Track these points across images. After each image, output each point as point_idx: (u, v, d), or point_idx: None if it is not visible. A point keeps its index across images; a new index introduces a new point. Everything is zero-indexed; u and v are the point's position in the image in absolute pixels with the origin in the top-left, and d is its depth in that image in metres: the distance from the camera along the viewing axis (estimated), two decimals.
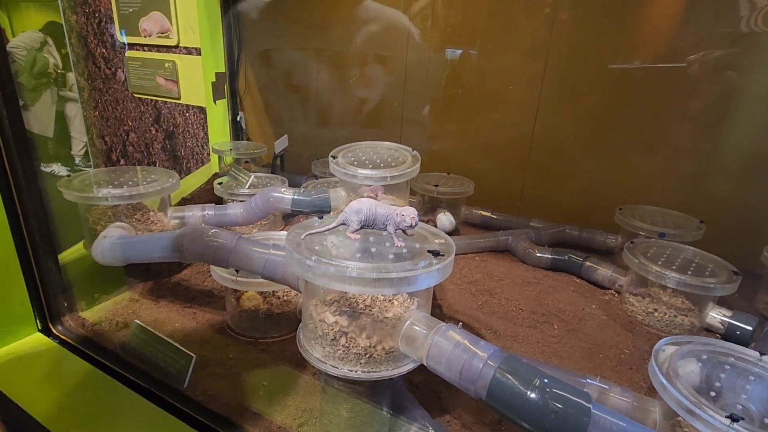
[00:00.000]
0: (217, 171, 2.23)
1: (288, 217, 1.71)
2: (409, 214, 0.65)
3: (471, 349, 0.60)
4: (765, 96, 1.45)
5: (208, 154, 2.41)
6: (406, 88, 2.02)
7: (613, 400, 0.81)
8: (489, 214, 1.78)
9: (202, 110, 2.38)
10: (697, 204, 1.56)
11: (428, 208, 1.80)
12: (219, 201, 1.65)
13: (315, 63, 2.22)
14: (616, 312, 1.25)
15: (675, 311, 1.18)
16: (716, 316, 1.14)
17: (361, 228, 0.70)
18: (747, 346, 1.10)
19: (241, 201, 1.54)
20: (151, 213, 1.25)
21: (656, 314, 1.19)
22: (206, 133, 2.41)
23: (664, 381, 0.72)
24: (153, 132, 2.71)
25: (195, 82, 2.30)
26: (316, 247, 0.68)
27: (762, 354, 0.80)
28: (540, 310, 1.24)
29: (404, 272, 0.59)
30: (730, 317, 1.13)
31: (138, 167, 1.31)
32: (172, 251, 0.87)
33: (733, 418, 0.64)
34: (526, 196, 1.92)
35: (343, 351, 0.66)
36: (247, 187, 1.53)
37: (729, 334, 1.12)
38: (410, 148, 1.31)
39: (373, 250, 0.67)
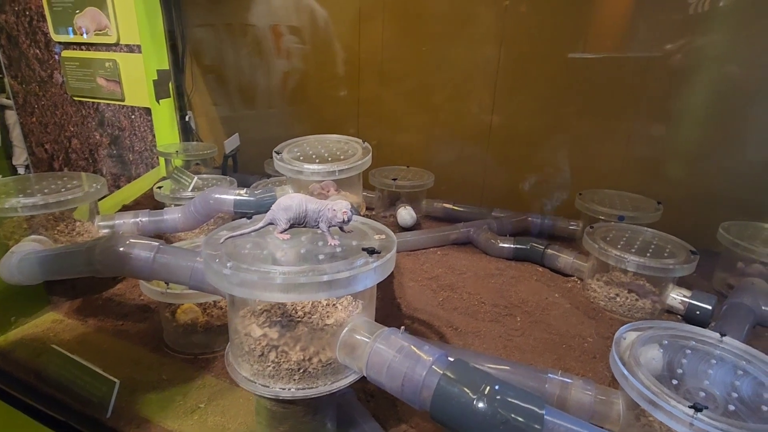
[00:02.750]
0: (165, 175, 2.10)
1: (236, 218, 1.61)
2: (340, 208, 0.58)
3: (414, 353, 0.54)
4: (714, 81, 1.46)
5: (157, 158, 2.27)
6: (361, 80, 1.95)
7: (576, 394, 0.77)
8: (451, 205, 1.73)
9: (148, 111, 2.24)
10: (654, 187, 1.56)
11: (388, 203, 1.74)
12: (161, 208, 1.54)
13: (267, 57, 2.11)
14: (579, 299, 1.22)
15: (635, 295, 1.16)
16: (676, 297, 1.13)
17: (291, 227, 0.62)
18: (707, 326, 1.10)
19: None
20: (78, 223, 1.13)
21: (618, 299, 1.16)
22: (154, 136, 2.26)
23: (625, 372, 0.68)
24: (97, 137, 2.54)
25: (138, 81, 2.15)
26: (244, 251, 0.60)
27: (722, 335, 0.77)
28: (503, 302, 1.20)
29: (337, 274, 0.52)
30: (690, 297, 1.11)
31: (59, 173, 1.18)
32: (84, 265, 0.77)
33: (697, 408, 0.60)
34: (487, 185, 1.89)
35: (273, 368, 0.58)
36: (190, 190, 1.42)
37: (690, 315, 1.11)
38: (360, 140, 1.24)
39: (303, 251, 0.59)
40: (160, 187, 1.44)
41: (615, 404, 0.77)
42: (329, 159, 1.15)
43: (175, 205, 1.44)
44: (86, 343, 0.97)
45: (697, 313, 1.09)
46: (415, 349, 0.55)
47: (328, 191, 1.23)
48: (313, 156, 1.16)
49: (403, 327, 0.58)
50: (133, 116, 2.32)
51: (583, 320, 1.13)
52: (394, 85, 1.92)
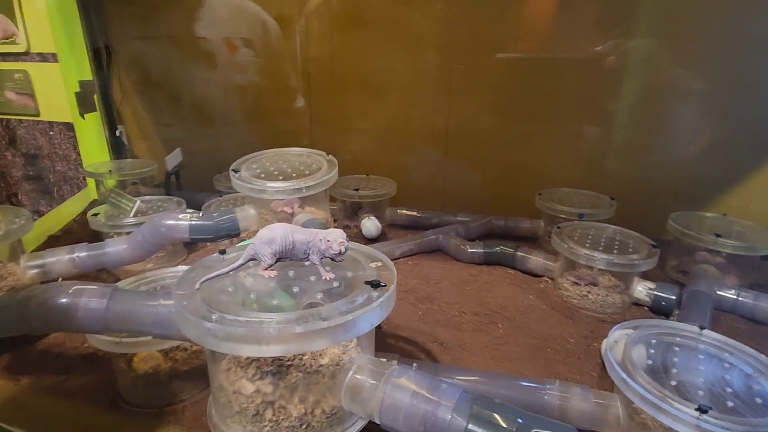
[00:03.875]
0: (96, 197, 1.88)
1: (192, 244, 1.47)
2: (336, 239, 0.52)
3: (432, 399, 0.49)
4: (651, 79, 1.55)
5: (85, 178, 2.04)
6: (311, 86, 1.87)
7: (577, 403, 0.76)
8: (415, 213, 1.70)
9: (69, 127, 2.00)
10: (604, 183, 1.64)
11: (350, 214, 1.68)
12: (98, 237, 1.36)
13: (204, 60, 1.96)
14: (553, 299, 1.24)
15: (606, 291, 1.19)
16: (642, 290, 1.18)
17: (276, 261, 0.55)
18: (671, 315, 1.15)
19: (127, 233, 1.28)
20: None
21: (590, 296, 1.19)
22: (79, 154, 2.03)
23: (626, 377, 0.68)
24: (8, 157, 2.24)
25: (55, 94, 1.92)
26: (224, 295, 0.52)
27: (701, 328, 0.80)
28: (482, 310, 1.19)
29: (340, 317, 0.46)
30: (655, 290, 1.16)
31: None
32: (16, 323, 0.64)
33: (702, 410, 0.61)
34: (448, 189, 1.89)
35: (272, 427, 0.51)
36: (132, 215, 1.27)
37: (656, 306, 1.16)
38: (324, 153, 1.17)
39: (296, 289, 0.52)
40: (95, 214, 1.27)
41: (612, 407, 0.77)
42: (293, 175, 1.07)
43: (116, 233, 1.28)
44: (22, 408, 0.82)
45: (663, 303, 1.15)
46: (432, 391, 0.50)
47: (292, 208, 1.15)
48: (275, 172, 1.08)
49: (415, 365, 0.53)
50: (51, 133, 2.07)
51: (561, 321, 1.15)
52: (346, 94, 1.86)
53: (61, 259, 1.00)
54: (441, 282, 1.34)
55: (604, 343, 0.97)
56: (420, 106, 1.81)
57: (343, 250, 0.52)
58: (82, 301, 0.61)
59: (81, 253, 1.01)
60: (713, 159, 1.54)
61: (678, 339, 0.78)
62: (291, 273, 0.55)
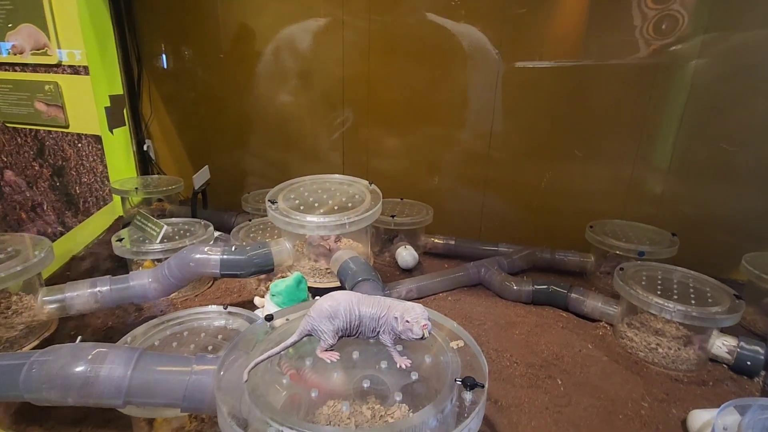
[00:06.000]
0: (122, 214, 1.83)
1: None
2: (417, 320, 0.41)
3: None
4: (716, 92, 1.41)
5: (111, 191, 1.99)
6: (345, 108, 1.79)
7: None
8: (452, 242, 1.59)
9: (98, 139, 1.97)
10: (664, 216, 1.50)
11: (384, 241, 1.58)
12: (121, 261, 1.29)
13: (235, 77, 1.91)
14: (615, 350, 1.11)
15: (677, 343, 1.06)
16: (722, 346, 1.04)
17: (339, 339, 0.45)
18: (757, 375, 1.01)
19: (154, 259, 1.21)
20: (14, 298, 0.89)
21: (660, 350, 1.06)
22: (105, 166, 1.99)
23: None
24: (36, 168, 2.22)
25: (85, 106, 1.89)
26: (280, 392, 0.41)
27: None
28: (536, 360, 1.06)
29: None
30: (738, 346, 1.02)
31: None
32: (24, 392, 0.55)
33: None
34: (486, 216, 1.77)
35: None
36: (158, 240, 1.19)
37: (739, 365, 1.02)
38: (367, 182, 1.08)
39: (366, 385, 0.42)
40: (120, 239, 1.20)
41: None
42: (335, 207, 0.97)
43: (141, 260, 1.21)
44: None
45: (748, 363, 1.00)
46: None
47: (328, 241, 1.05)
48: (315, 203, 0.98)
49: None
50: (79, 144, 2.04)
51: (627, 378, 1.02)
52: (380, 113, 1.78)
53: (83, 293, 0.92)
54: (485, 323, 1.22)
55: (692, 417, 0.84)
56: (459, 127, 1.71)
57: (426, 335, 0.42)
58: (104, 370, 0.52)
59: (103, 287, 0.93)
60: None
61: None
62: (355, 355, 0.45)
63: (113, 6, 1.83)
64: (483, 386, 0.41)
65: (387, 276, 1.43)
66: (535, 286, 1.29)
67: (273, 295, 0.89)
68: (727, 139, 1.41)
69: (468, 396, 0.40)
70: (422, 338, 0.43)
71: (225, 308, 0.89)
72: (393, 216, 1.50)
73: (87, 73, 1.83)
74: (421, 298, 1.33)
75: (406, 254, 1.45)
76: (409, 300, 1.16)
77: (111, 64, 1.87)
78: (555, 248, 1.52)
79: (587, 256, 1.48)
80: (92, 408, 0.87)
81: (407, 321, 0.42)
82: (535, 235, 1.63)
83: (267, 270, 0.99)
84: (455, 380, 0.41)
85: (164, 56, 1.99)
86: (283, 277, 0.96)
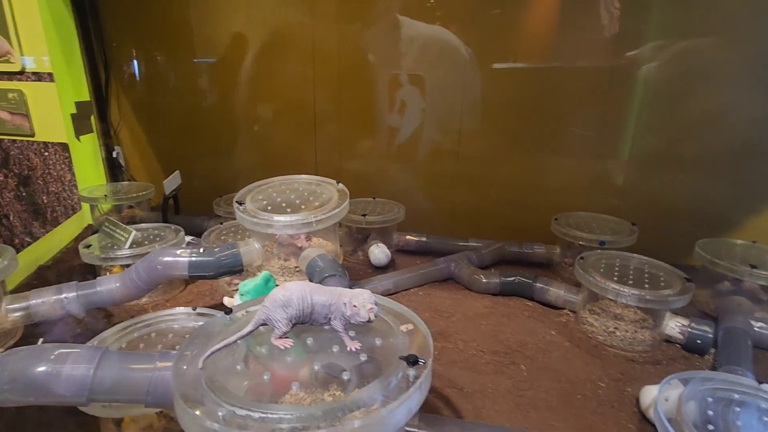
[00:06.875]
0: (91, 222, 1.80)
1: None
2: (363, 304, 0.44)
3: None
4: (670, 91, 1.49)
5: (79, 199, 1.96)
6: (317, 109, 1.81)
7: None
8: (424, 238, 1.62)
9: (65, 147, 1.93)
10: (625, 207, 1.57)
11: (357, 240, 1.60)
12: (90, 269, 1.28)
13: (207, 81, 1.90)
14: (576, 336, 1.16)
15: (634, 326, 1.11)
16: (675, 326, 1.10)
17: (292, 327, 0.47)
18: (705, 354, 1.07)
19: (123, 265, 1.20)
20: None
21: (617, 333, 1.11)
22: (74, 175, 1.96)
23: None
24: (0, 178, 2.16)
25: (51, 114, 1.85)
26: (233, 376, 0.44)
27: (760, 382, 0.72)
28: (501, 348, 1.10)
29: (375, 413, 0.37)
30: (689, 326, 1.08)
31: None
32: None
33: None
34: (457, 212, 1.82)
35: None
36: (127, 246, 1.19)
37: (690, 344, 1.08)
38: (334, 181, 1.10)
39: (316, 367, 0.44)
40: (88, 246, 1.19)
41: None
42: (302, 207, 1.00)
43: (109, 266, 1.20)
44: None
45: (698, 342, 1.07)
46: None
47: (299, 240, 1.07)
48: (283, 204, 1.00)
49: None
50: (46, 153, 2.00)
51: (587, 361, 1.07)
52: (352, 113, 1.80)
53: (48, 300, 0.92)
54: (455, 315, 1.25)
55: (644, 393, 0.90)
56: (429, 126, 1.75)
57: (372, 317, 0.45)
58: (66, 368, 0.53)
59: (69, 293, 0.93)
60: (739, 179, 1.48)
61: (736, 396, 0.70)
62: (310, 341, 0.48)
63: (77, 12, 1.81)
64: (425, 362, 0.44)
65: (360, 274, 1.45)
66: (503, 278, 1.33)
67: (242, 295, 0.90)
68: (676, 132, 1.50)
69: (411, 372, 0.43)
70: (369, 321, 0.46)
71: (194, 310, 0.90)
72: (365, 215, 1.53)
73: (52, 80, 1.80)
74: (393, 294, 1.36)
75: (378, 252, 1.47)
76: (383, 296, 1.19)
77: (77, 71, 1.85)
78: (524, 241, 1.58)
79: (553, 248, 1.54)
80: (58, 413, 0.87)
81: (354, 306, 0.45)
82: (504, 230, 1.68)
83: (236, 270, 1.00)
84: (399, 357, 0.44)
85: (135, 62, 1.97)
86: (252, 276, 0.98)
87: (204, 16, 1.81)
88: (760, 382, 0.72)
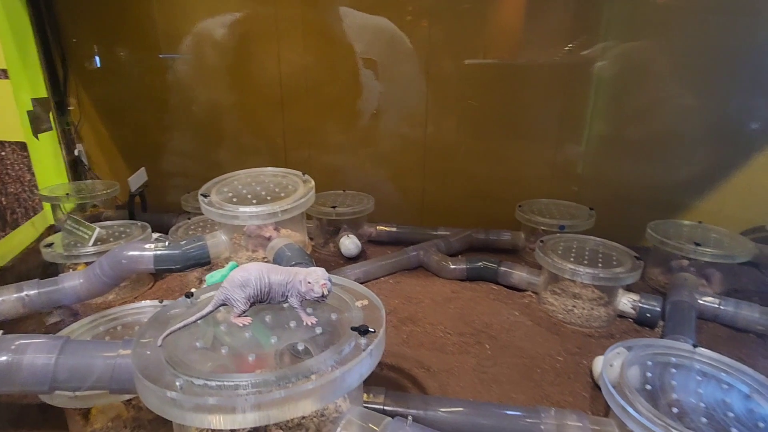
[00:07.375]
0: (53, 223, 1.76)
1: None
2: (317, 280, 0.47)
3: None
4: (623, 85, 1.58)
5: (40, 201, 1.90)
6: (284, 101, 1.81)
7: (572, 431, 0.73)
8: (394, 228, 1.66)
9: (22, 146, 1.87)
10: (584, 193, 1.65)
11: (328, 232, 1.62)
12: (54, 269, 1.26)
13: (169, 77, 1.87)
14: (538, 315, 1.22)
15: (591, 304, 1.18)
16: (627, 302, 1.17)
17: (251, 306, 0.49)
18: (655, 326, 1.15)
19: (88, 263, 1.19)
20: None
21: (575, 311, 1.17)
22: (33, 175, 1.89)
23: (628, 408, 0.65)
24: None
25: (6, 112, 1.79)
26: (192, 352, 0.46)
27: (694, 346, 0.79)
28: (467, 329, 1.15)
29: (328, 375, 0.40)
30: (640, 301, 1.15)
31: None
32: None
33: None
34: (426, 203, 1.86)
35: None
36: (91, 243, 1.17)
37: (641, 318, 1.16)
38: (300, 172, 1.12)
39: (273, 340, 0.47)
40: (49, 245, 1.17)
41: None
42: (267, 198, 1.01)
43: (73, 264, 1.19)
44: None
45: (648, 315, 1.14)
46: None
47: (266, 231, 1.08)
48: (248, 196, 1.01)
49: (410, 417, 0.48)
50: (2, 153, 1.93)
51: (547, 337, 1.12)
52: (320, 108, 1.81)
53: (8, 299, 0.90)
54: (423, 301, 1.29)
55: (595, 363, 0.96)
56: (397, 119, 1.78)
57: (325, 292, 0.47)
58: (27, 358, 0.54)
59: (30, 290, 0.92)
60: (686, 165, 1.58)
61: (673, 359, 0.76)
62: (268, 318, 0.50)
63: (32, 7, 1.75)
64: (374, 331, 0.47)
65: (332, 265, 1.47)
66: (469, 264, 1.38)
67: (209, 286, 0.91)
68: (625, 121, 1.59)
69: (363, 341, 0.46)
70: (323, 296, 0.48)
71: (161, 303, 0.90)
72: (334, 207, 1.55)
73: (6, 77, 1.74)
74: (364, 283, 1.39)
75: (348, 243, 1.50)
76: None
77: (32, 67, 1.79)
78: (491, 229, 1.63)
79: (518, 234, 1.60)
80: (27, 408, 0.86)
81: (309, 282, 0.48)
82: (472, 218, 1.73)
83: (204, 263, 1.01)
84: (350, 328, 0.47)
85: (97, 57, 1.92)
86: (220, 267, 0.98)
87: (167, 10, 1.78)
88: (695, 346, 0.78)
